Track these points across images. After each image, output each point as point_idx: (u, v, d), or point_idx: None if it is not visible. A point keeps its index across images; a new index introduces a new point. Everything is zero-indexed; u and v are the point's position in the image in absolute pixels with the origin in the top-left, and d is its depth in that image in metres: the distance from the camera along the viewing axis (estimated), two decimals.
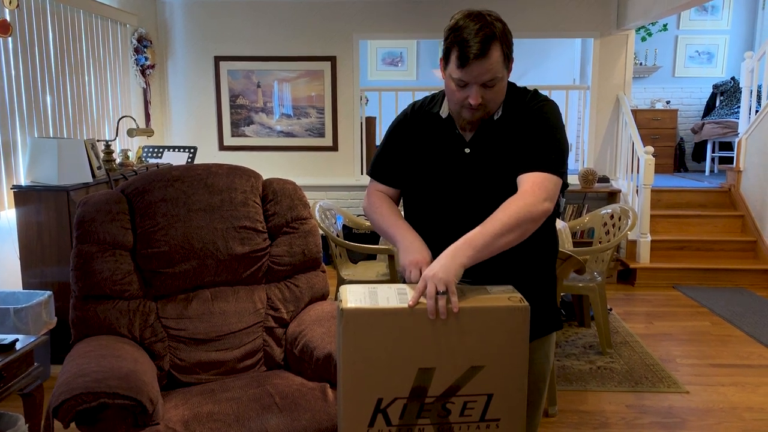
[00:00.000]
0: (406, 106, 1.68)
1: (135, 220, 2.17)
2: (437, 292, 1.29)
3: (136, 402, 1.63)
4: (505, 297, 1.35)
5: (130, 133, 3.98)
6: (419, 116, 1.60)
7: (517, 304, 1.33)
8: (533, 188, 1.39)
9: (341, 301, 1.32)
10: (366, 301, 1.31)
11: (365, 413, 1.33)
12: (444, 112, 1.55)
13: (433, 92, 1.65)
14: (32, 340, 2.27)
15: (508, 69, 1.45)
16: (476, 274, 1.44)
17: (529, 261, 1.55)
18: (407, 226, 1.54)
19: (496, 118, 1.50)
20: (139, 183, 2.22)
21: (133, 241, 2.15)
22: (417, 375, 1.32)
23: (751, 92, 5.57)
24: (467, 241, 1.34)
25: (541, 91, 1.55)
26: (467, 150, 1.52)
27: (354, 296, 1.33)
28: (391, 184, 1.64)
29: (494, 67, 1.39)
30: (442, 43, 1.45)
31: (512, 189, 1.44)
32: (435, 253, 1.42)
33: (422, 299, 1.31)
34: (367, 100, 6.95)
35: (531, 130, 1.46)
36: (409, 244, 1.46)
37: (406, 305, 1.30)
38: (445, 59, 1.45)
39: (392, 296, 1.34)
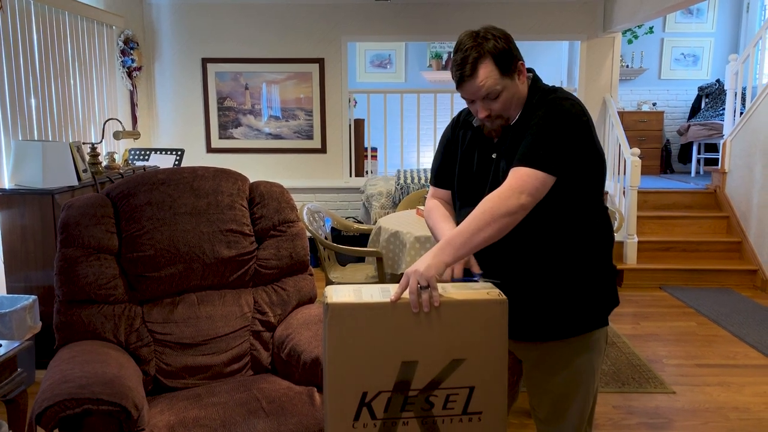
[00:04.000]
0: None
1: (120, 224, 2.15)
2: (420, 287, 1.33)
3: (121, 408, 1.62)
4: (484, 292, 1.41)
5: (116, 135, 3.95)
6: (462, 124, 1.68)
7: (496, 297, 1.38)
8: (510, 182, 1.43)
9: (326, 297, 1.37)
10: (350, 297, 1.36)
11: (350, 407, 1.36)
12: (476, 121, 1.61)
13: None
14: (16, 345, 2.24)
15: (512, 77, 1.49)
16: (506, 270, 1.52)
17: (557, 255, 1.54)
18: (449, 228, 1.58)
19: (512, 123, 1.54)
20: (124, 186, 2.20)
21: (118, 245, 2.13)
22: (400, 368, 1.36)
23: (736, 94, 5.62)
24: (448, 240, 1.41)
25: None
26: (494, 155, 1.57)
27: (339, 293, 1.38)
28: (442, 186, 1.72)
29: (486, 83, 1.45)
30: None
31: None
32: (481, 255, 1.53)
33: (405, 294, 1.36)
34: (356, 102, 6.95)
35: (531, 127, 1.49)
36: None
37: (388, 300, 1.34)
38: None
39: (375, 293, 1.39)
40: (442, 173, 1.71)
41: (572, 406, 1.62)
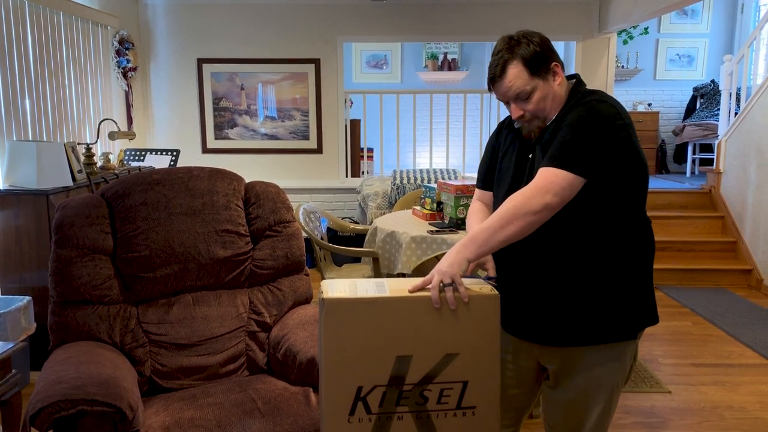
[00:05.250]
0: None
1: (115, 224, 2.14)
2: (444, 285, 1.37)
3: (116, 409, 1.61)
4: (476, 287, 1.43)
5: (111, 135, 3.93)
6: (506, 127, 1.71)
7: (488, 293, 1.41)
8: (536, 182, 1.43)
9: (322, 292, 1.38)
10: (346, 292, 1.38)
11: (346, 402, 1.38)
12: (517, 123, 1.62)
13: None
14: (10, 346, 2.23)
15: (545, 78, 1.50)
16: (536, 271, 1.52)
17: (588, 260, 1.51)
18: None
19: (548, 123, 1.55)
20: (119, 186, 2.20)
21: (113, 245, 2.13)
22: (395, 363, 1.38)
23: (730, 95, 5.64)
24: (472, 237, 1.43)
25: None
26: (530, 155, 1.57)
27: (334, 288, 1.40)
28: (487, 188, 1.75)
29: (515, 84, 1.49)
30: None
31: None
32: (508, 255, 1.54)
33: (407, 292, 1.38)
34: (352, 103, 6.95)
35: (563, 127, 1.47)
36: None
37: (383, 295, 1.37)
38: None
39: (371, 288, 1.41)
40: (488, 176, 1.74)
41: (586, 419, 1.58)
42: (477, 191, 1.80)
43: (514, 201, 1.42)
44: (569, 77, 1.59)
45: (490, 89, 1.56)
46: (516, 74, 1.49)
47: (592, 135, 1.42)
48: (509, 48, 1.50)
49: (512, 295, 1.56)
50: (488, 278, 1.54)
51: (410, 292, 1.39)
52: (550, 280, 1.52)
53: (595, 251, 1.49)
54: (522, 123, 1.56)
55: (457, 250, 1.43)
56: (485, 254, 1.45)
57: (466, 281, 1.46)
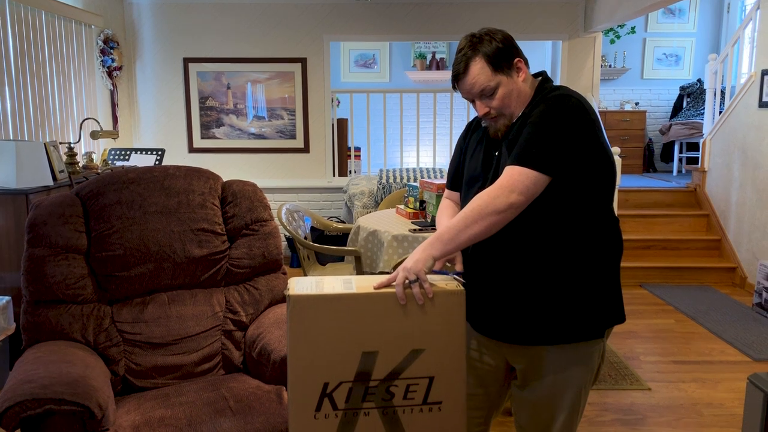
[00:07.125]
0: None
1: (89, 223, 2.13)
2: (410, 281, 1.39)
3: (84, 408, 1.61)
4: (443, 283, 1.44)
5: (94, 135, 3.92)
6: (474, 128, 1.71)
7: (453, 288, 1.42)
8: (501, 181, 1.43)
9: (288, 289, 1.39)
10: (312, 289, 1.38)
11: (312, 398, 1.39)
12: (484, 122, 1.62)
13: None
14: None
15: (509, 74, 1.51)
16: (502, 269, 1.53)
17: (554, 258, 1.50)
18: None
19: (514, 120, 1.54)
20: (93, 185, 2.19)
21: (87, 244, 2.12)
22: (361, 359, 1.39)
23: (715, 94, 5.67)
24: (438, 236, 1.44)
25: None
26: (496, 153, 1.57)
27: (301, 285, 1.41)
28: (455, 189, 1.76)
29: (478, 80, 1.49)
30: None
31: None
32: (475, 253, 1.55)
33: (379, 289, 1.40)
34: (339, 102, 6.95)
35: (528, 124, 1.47)
36: None
37: (349, 292, 1.38)
38: None
39: (337, 285, 1.42)
40: (457, 177, 1.75)
41: (555, 419, 1.58)
42: (446, 191, 1.80)
43: (480, 200, 1.42)
44: (536, 75, 1.59)
45: (454, 87, 1.55)
46: (479, 70, 1.49)
47: (556, 132, 1.42)
48: (471, 45, 1.50)
49: (479, 293, 1.56)
50: (456, 273, 1.54)
51: (375, 288, 1.39)
52: (516, 278, 1.52)
53: (561, 249, 1.49)
54: (489, 121, 1.56)
55: (423, 247, 1.43)
56: (451, 252, 1.46)
57: (433, 277, 1.47)
